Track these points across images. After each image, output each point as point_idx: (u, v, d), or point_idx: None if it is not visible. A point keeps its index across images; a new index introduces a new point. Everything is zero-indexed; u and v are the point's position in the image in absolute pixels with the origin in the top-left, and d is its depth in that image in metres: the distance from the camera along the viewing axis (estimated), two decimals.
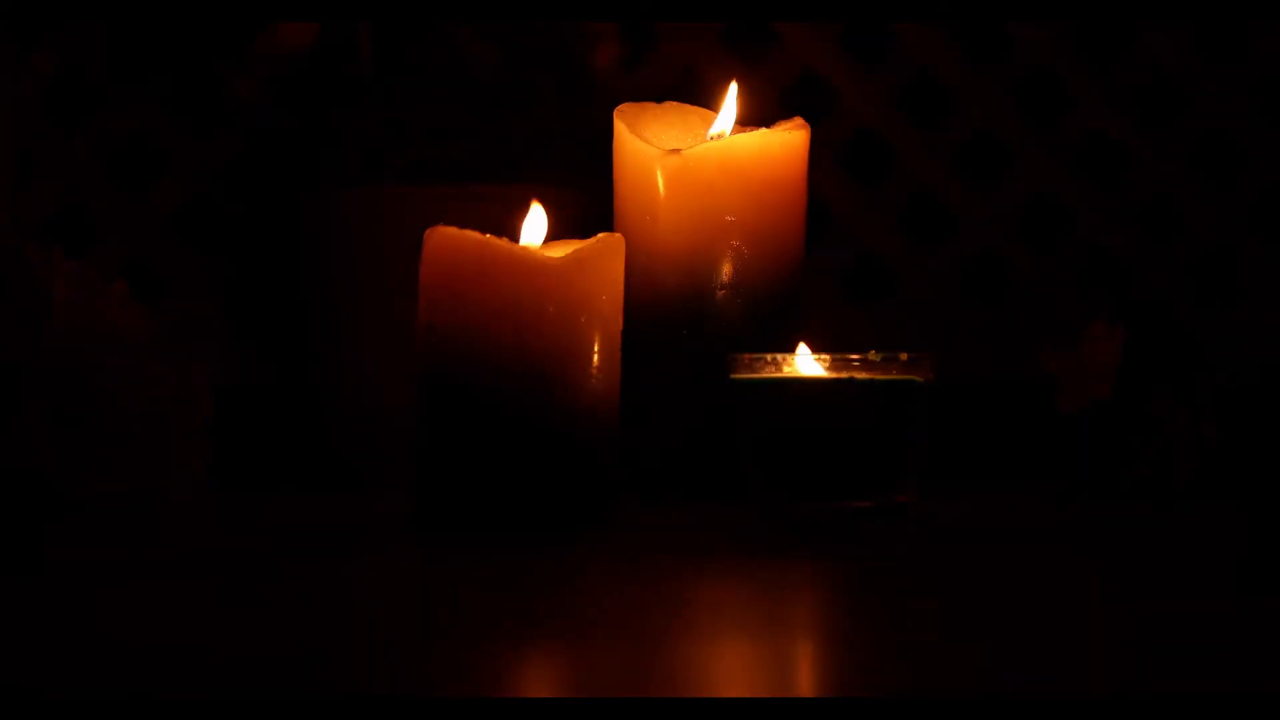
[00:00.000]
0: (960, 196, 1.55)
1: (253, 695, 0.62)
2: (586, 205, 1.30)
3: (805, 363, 1.02)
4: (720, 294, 1.14)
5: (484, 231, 1.00)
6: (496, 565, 0.92)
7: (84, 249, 1.48)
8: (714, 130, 1.17)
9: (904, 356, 1.01)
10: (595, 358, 1.01)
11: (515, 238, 1.03)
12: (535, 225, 1.05)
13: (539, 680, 0.66)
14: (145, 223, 1.49)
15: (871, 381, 1.01)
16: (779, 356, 1.02)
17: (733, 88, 1.17)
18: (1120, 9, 1.53)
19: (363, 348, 1.36)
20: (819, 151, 1.20)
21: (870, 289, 1.56)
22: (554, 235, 1.05)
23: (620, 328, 1.03)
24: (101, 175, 1.49)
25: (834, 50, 1.55)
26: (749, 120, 1.18)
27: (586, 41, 1.44)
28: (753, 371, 1.03)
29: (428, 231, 1.01)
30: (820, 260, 1.53)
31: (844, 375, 1.01)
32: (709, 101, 1.20)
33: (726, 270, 1.14)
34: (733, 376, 1.04)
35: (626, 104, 1.17)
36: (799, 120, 1.16)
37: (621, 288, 1.03)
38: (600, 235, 1.03)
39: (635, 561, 0.94)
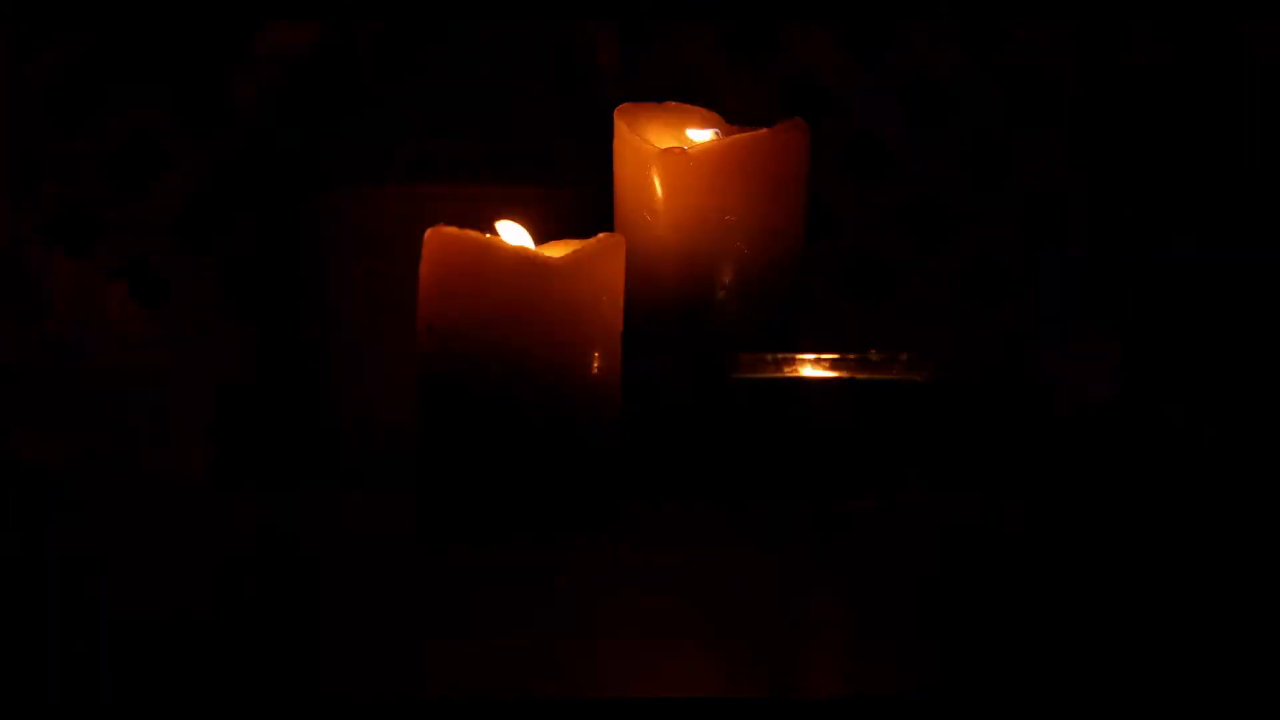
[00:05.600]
0: (960, 196, 1.55)
1: (253, 695, 0.62)
2: (586, 205, 1.30)
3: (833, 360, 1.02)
4: (720, 294, 1.14)
5: (484, 231, 1.00)
6: (496, 565, 0.92)
7: (84, 249, 1.48)
8: (698, 139, 1.17)
9: (904, 356, 1.01)
10: (595, 358, 1.01)
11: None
12: (515, 234, 1.04)
13: (540, 680, 0.66)
14: (145, 223, 1.49)
15: (871, 381, 1.01)
16: (779, 356, 1.02)
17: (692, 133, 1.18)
18: (1119, 9, 1.53)
19: (363, 348, 1.36)
20: (819, 151, 1.20)
21: (870, 289, 1.56)
22: (554, 235, 1.05)
23: (620, 328, 1.03)
24: (102, 175, 1.49)
25: (834, 50, 1.55)
26: (749, 120, 1.18)
27: (586, 41, 1.44)
28: (753, 371, 1.03)
29: (428, 231, 1.01)
30: (820, 260, 1.53)
31: (844, 375, 1.01)
32: (709, 101, 1.20)
33: (727, 270, 1.14)
34: (733, 376, 1.04)
35: (626, 104, 1.17)
36: (799, 120, 1.16)
37: (621, 288, 1.03)
38: (600, 235, 1.03)
39: (635, 561, 0.94)
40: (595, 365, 1.01)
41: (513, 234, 1.04)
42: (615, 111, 1.17)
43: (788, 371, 1.02)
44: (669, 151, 1.14)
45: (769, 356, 1.03)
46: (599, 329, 1.01)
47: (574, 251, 1.01)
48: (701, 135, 1.18)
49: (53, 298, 1.11)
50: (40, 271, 1.11)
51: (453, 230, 1.00)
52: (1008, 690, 0.63)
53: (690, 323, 1.14)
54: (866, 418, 1.01)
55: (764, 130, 1.15)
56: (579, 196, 1.33)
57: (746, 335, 1.12)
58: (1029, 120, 1.55)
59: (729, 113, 1.19)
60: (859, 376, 1.01)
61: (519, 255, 1.00)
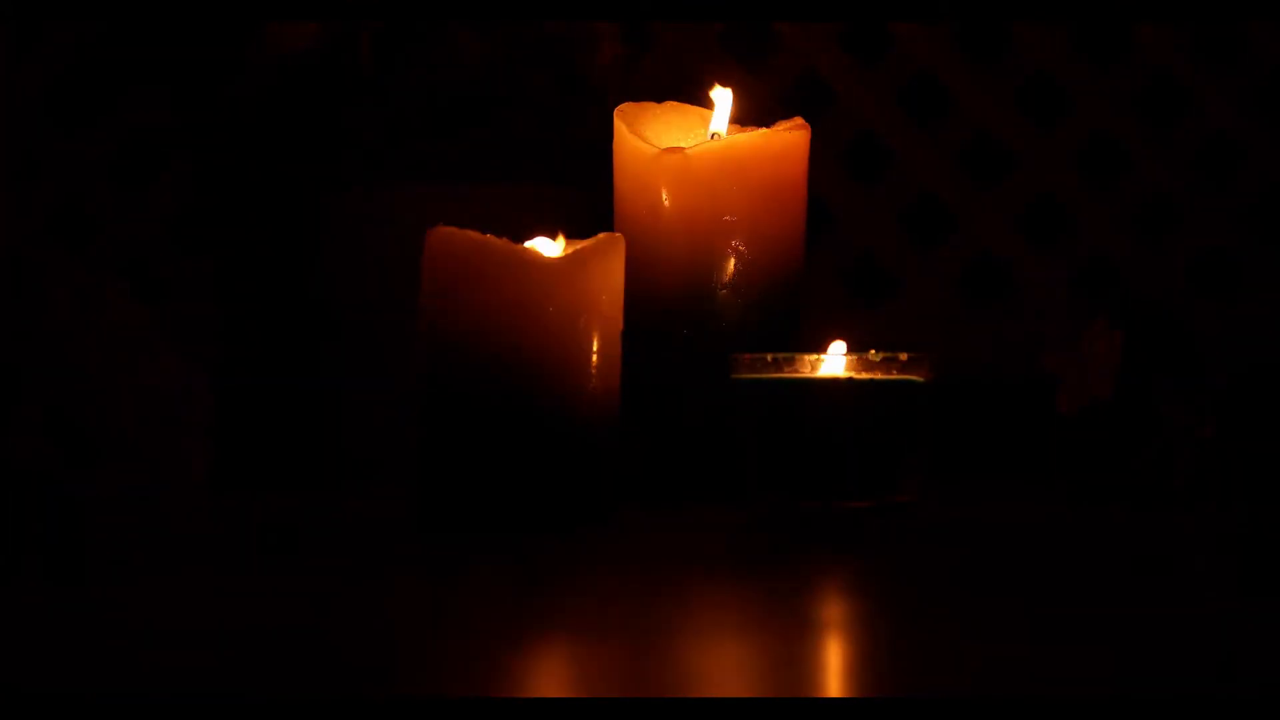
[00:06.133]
0: (960, 196, 1.55)
1: (253, 695, 0.62)
2: (586, 205, 1.30)
3: (836, 362, 1.02)
4: (720, 294, 1.14)
5: (484, 231, 1.00)
6: (497, 565, 0.92)
7: (84, 249, 1.48)
8: (711, 129, 1.17)
9: (904, 356, 1.01)
10: (595, 358, 1.01)
11: (515, 238, 1.03)
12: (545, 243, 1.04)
13: (539, 680, 0.66)
14: (145, 223, 1.50)
15: (871, 381, 1.01)
16: (779, 356, 1.02)
17: (717, 94, 1.17)
18: (1120, 9, 1.53)
19: (362, 347, 1.36)
20: (819, 151, 1.20)
21: (870, 289, 1.56)
22: (554, 236, 1.05)
23: (620, 328, 1.03)
24: (101, 175, 1.49)
25: (834, 50, 1.55)
26: (749, 120, 1.18)
27: (586, 41, 1.44)
28: (753, 371, 1.03)
29: (428, 231, 1.01)
30: (820, 260, 1.53)
31: (844, 375, 1.01)
32: (709, 101, 1.20)
33: (727, 270, 1.14)
34: (733, 376, 1.04)
35: (626, 104, 1.17)
36: (799, 120, 1.16)
37: (621, 288, 1.03)
38: (600, 235, 1.03)
39: (635, 561, 0.94)
40: (595, 365, 1.01)
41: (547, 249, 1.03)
42: (615, 111, 1.17)
43: (788, 371, 1.02)
44: (669, 151, 1.14)
45: (769, 356, 1.03)
46: (599, 329, 1.01)
47: (574, 251, 1.01)
48: (721, 120, 1.17)
49: (53, 298, 1.11)
50: (40, 271, 1.11)
51: (453, 230, 1.00)
52: (1007, 691, 0.63)
53: (690, 323, 1.14)
54: (866, 418, 1.01)
55: (764, 130, 1.15)
56: (579, 196, 1.33)
57: (746, 335, 1.12)
58: (1032, 120, 1.55)
59: (729, 113, 1.19)
60: (859, 376, 1.01)
61: (519, 255, 1.00)
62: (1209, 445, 1.21)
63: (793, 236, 1.16)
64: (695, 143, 1.16)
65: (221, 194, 1.50)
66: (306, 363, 1.41)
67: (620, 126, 1.16)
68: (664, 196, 1.14)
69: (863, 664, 0.68)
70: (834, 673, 0.67)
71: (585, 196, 1.32)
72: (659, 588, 0.86)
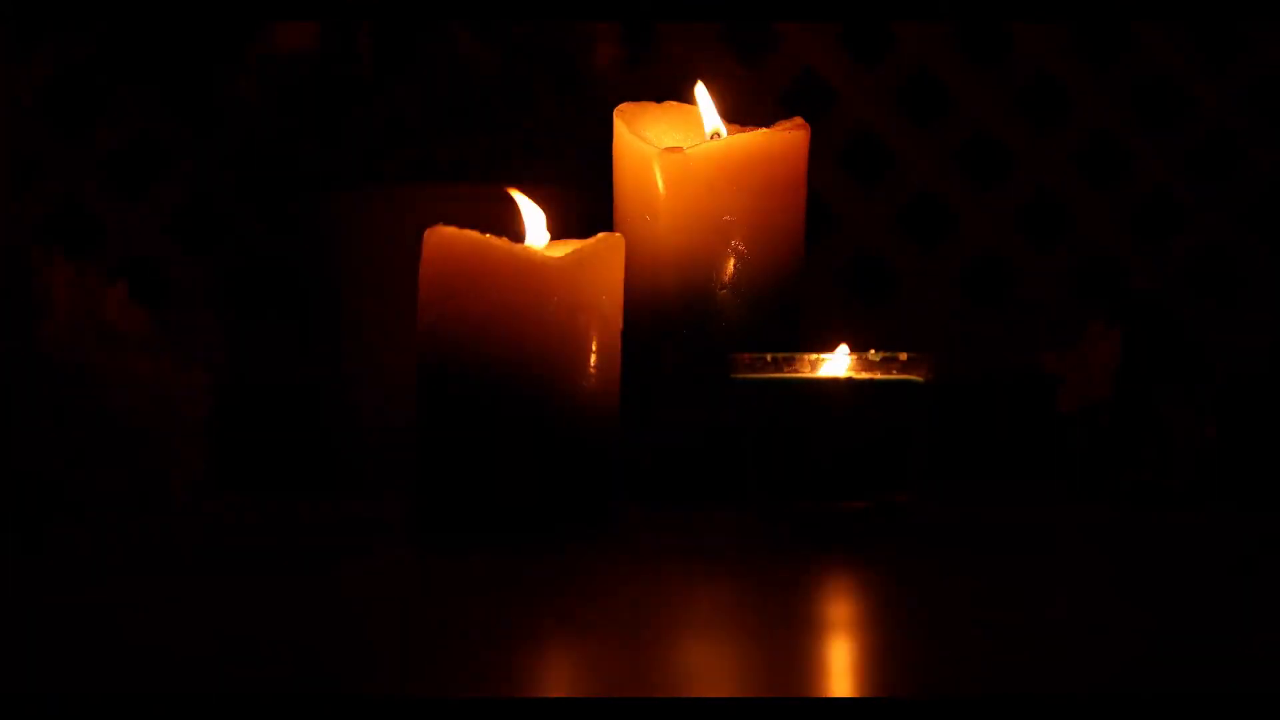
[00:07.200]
0: (960, 196, 1.55)
1: (253, 695, 0.62)
2: (587, 205, 1.30)
3: (836, 362, 1.02)
4: (720, 294, 1.14)
5: (484, 231, 1.00)
6: (496, 565, 0.92)
7: (84, 249, 1.48)
8: (709, 130, 1.17)
9: (904, 356, 1.01)
10: (595, 358, 1.01)
11: (515, 238, 1.03)
12: (533, 222, 1.05)
13: (540, 680, 0.66)
14: (145, 223, 1.50)
15: (871, 381, 1.01)
16: (779, 356, 1.02)
17: (698, 91, 1.17)
18: (1120, 9, 1.53)
19: (363, 348, 1.36)
20: (819, 151, 1.20)
21: (870, 289, 1.56)
22: (554, 235, 1.05)
23: (620, 328, 1.03)
24: (101, 176, 1.49)
25: (834, 50, 1.55)
26: (749, 120, 1.18)
27: (586, 41, 1.44)
28: (753, 371, 1.03)
29: (428, 231, 1.01)
30: (820, 260, 1.53)
31: (844, 375, 1.01)
32: (694, 100, 1.20)
33: (726, 270, 1.14)
34: (733, 376, 1.04)
35: (626, 104, 1.17)
36: (799, 120, 1.16)
37: (621, 288, 1.03)
38: (600, 235, 1.03)
39: (635, 561, 0.94)
40: (595, 365, 1.01)
41: (533, 218, 1.04)
42: (615, 111, 1.17)
43: (788, 371, 1.02)
44: (669, 151, 1.14)
45: (769, 356, 1.03)
46: (599, 329, 1.01)
47: (574, 251, 1.01)
48: (712, 118, 1.17)
49: (53, 298, 1.11)
50: (40, 272, 1.11)
51: (453, 230, 1.00)
52: (1006, 691, 0.63)
53: (690, 323, 1.14)
54: (866, 418, 1.01)
55: (764, 130, 1.15)
56: (579, 196, 1.33)
57: (746, 335, 1.12)
58: (1032, 120, 1.55)
59: (729, 113, 1.19)
60: (858, 376, 1.01)
61: (519, 255, 1.00)
62: (1209, 445, 1.21)
63: (792, 236, 1.16)
64: (695, 143, 1.16)
65: (221, 194, 1.50)
66: (306, 362, 1.41)
67: (620, 126, 1.16)
68: (664, 197, 1.14)
69: (862, 664, 0.68)
70: (833, 673, 0.67)
71: (585, 196, 1.32)
72: (658, 588, 0.86)
